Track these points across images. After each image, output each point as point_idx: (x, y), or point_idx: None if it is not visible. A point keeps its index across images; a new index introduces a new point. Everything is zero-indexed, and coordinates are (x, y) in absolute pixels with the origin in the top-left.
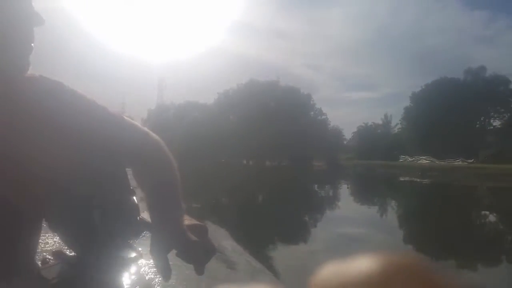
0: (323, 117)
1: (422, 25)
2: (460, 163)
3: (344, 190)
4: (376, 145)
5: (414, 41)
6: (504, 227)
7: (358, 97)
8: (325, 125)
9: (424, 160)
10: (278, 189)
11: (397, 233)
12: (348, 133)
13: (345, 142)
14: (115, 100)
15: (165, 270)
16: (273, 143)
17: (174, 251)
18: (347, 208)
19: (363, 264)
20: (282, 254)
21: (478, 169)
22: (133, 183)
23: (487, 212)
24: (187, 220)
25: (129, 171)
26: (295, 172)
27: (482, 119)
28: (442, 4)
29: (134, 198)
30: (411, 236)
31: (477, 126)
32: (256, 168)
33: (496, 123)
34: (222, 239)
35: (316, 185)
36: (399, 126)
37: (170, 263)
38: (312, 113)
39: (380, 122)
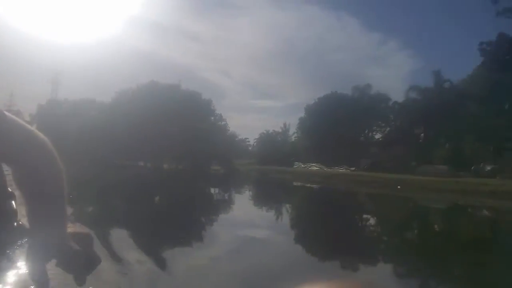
0: (223, 122)
1: (324, 41)
2: (343, 170)
3: (235, 193)
4: (275, 151)
5: (316, 56)
6: (370, 223)
7: (265, 105)
8: (224, 130)
9: (314, 167)
10: (172, 192)
11: (275, 228)
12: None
13: (250, 148)
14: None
15: (41, 282)
16: (172, 146)
17: (54, 261)
18: (237, 210)
19: None
20: (177, 258)
21: (356, 176)
22: (12, 185)
23: (358, 212)
24: (71, 228)
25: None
26: (190, 175)
27: (366, 131)
28: (343, 23)
29: (13, 202)
30: (287, 230)
31: (362, 138)
32: (154, 171)
33: (378, 136)
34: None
35: (208, 188)
36: (296, 135)
37: (50, 273)
38: (212, 118)
39: (280, 130)
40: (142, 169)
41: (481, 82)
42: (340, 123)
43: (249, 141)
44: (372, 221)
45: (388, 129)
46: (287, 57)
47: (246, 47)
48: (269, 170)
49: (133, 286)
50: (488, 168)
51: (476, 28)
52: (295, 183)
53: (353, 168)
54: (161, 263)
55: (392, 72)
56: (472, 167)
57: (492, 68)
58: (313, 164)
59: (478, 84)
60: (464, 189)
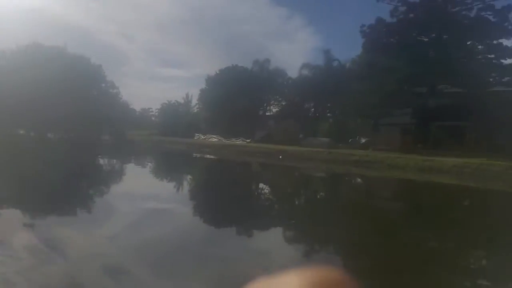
0: (115, 90)
1: (233, 12)
2: (240, 142)
3: (126, 163)
4: (177, 122)
5: (224, 26)
6: (250, 188)
7: (172, 74)
8: (116, 98)
9: (214, 138)
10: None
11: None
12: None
13: (153, 118)
14: None
15: None
16: (57, 114)
17: None
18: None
19: (290, 280)
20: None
21: (247, 148)
22: None
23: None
24: None
25: None
26: (75, 145)
27: (265, 105)
28: None
29: None
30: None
31: (261, 111)
32: (35, 141)
33: (276, 109)
34: None
35: (92, 159)
36: (197, 106)
37: None
38: (103, 85)
39: (182, 101)
40: (22, 138)
41: (362, 62)
42: (239, 96)
43: (152, 111)
44: (250, 186)
45: (284, 103)
46: (195, 26)
47: (152, 12)
48: (168, 141)
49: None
50: (363, 140)
51: (371, 11)
52: (187, 154)
53: (248, 140)
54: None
55: (297, 47)
56: (350, 140)
57: (370, 50)
58: (213, 135)
59: (360, 64)
60: (335, 158)
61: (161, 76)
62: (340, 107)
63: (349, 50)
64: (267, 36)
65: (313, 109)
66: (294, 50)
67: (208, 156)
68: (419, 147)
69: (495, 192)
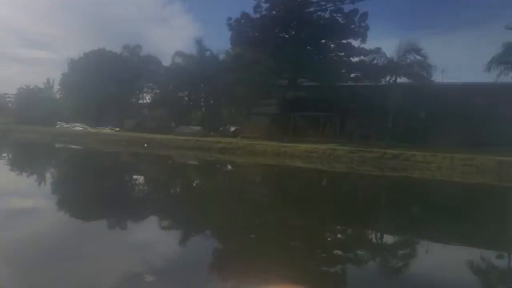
0: None
1: None
2: (108, 130)
3: None
4: (36, 109)
5: (95, 7)
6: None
7: (36, 56)
8: None
9: (78, 127)
10: None
11: None
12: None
13: (10, 105)
14: None
15: None
16: None
17: None
18: None
19: None
20: None
21: (116, 136)
22: None
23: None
24: None
25: None
26: None
27: (137, 93)
28: None
29: None
30: None
31: (133, 99)
32: None
33: (148, 97)
34: None
35: None
36: (59, 92)
37: None
38: None
39: (43, 86)
40: None
41: (231, 54)
42: (106, 82)
43: (9, 97)
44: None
45: (157, 91)
46: (63, 3)
47: None
48: (22, 129)
49: None
50: (233, 129)
51: (249, 2)
52: (38, 143)
53: (117, 129)
54: None
55: (174, 35)
56: (221, 128)
57: (237, 43)
58: (77, 124)
59: (229, 55)
60: (201, 146)
61: (23, 58)
62: (213, 96)
63: (227, 40)
64: (142, 20)
65: (187, 98)
66: (171, 37)
67: (62, 145)
68: (283, 135)
69: (333, 172)
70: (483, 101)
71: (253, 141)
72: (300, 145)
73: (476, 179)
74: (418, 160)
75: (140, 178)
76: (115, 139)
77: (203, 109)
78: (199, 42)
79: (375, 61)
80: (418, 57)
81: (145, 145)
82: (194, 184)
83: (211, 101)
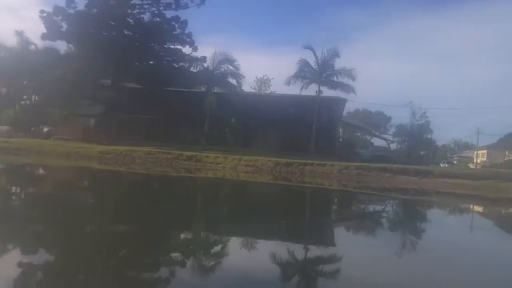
0: None
1: None
2: None
3: None
4: None
5: None
6: None
7: None
8: None
9: None
10: None
11: None
12: None
13: None
14: None
15: None
16: None
17: None
18: None
19: None
20: None
21: None
22: None
23: None
24: None
25: None
26: None
27: None
28: None
29: None
30: None
31: None
32: None
33: None
34: None
35: None
36: None
37: None
38: None
39: None
40: None
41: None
42: None
43: None
44: None
45: None
46: None
47: None
48: None
49: None
50: (46, 129)
51: None
52: None
53: None
54: None
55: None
56: (32, 129)
57: (48, 37)
58: None
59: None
60: None
61: None
62: (29, 93)
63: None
64: None
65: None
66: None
67: None
68: (103, 137)
69: (114, 172)
70: (293, 110)
71: (65, 143)
72: (99, 146)
73: (255, 177)
74: (209, 161)
75: None
76: None
77: (16, 107)
78: (20, 34)
79: (197, 69)
80: (231, 68)
81: None
82: None
83: (26, 99)
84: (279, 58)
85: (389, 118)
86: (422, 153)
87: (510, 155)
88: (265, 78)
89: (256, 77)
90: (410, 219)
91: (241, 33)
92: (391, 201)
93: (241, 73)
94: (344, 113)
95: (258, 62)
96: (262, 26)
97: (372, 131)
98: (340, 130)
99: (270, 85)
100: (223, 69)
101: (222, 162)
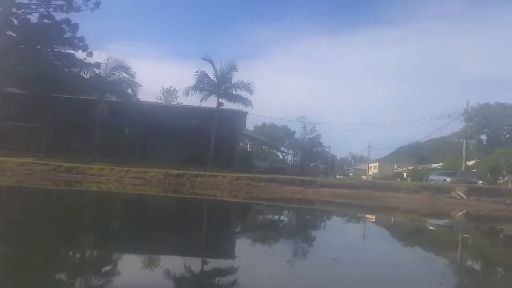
0: None
1: None
2: None
3: None
4: None
5: None
6: None
7: None
8: None
9: None
10: None
11: None
12: None
13: None
14: None
15: None
16: None
17: None
18: None
19: None
20: None
21: None
22: None
23: None
24: None
25: None
26: None
27: None
28: None
29: None
30: None
31: None
32: None
33: None
34: None
35: None
36: None
37: None
38: None
39: None
40: None
41: None
42: None
43: None
44: None
45: None
46: None
47: None
48: None
49: None
50: None
51: None
52: None
53: None
54: None
55: None
56: None
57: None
58: None
59: None
60: None
61: None
62: None
63: None
64: None
65: None
66: None
67: None
68: None
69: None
70: (194, 121)
71: None
72: None
73: (144, 190)
74: (92, 173)
75: None
76: None
77: None
78: None
79: (87, 75)
80: (126, 75)
81: None
82: None
83: None
84: (189, 70)
85: (294, 133)
86: (312, 164)
87: (398, 167)
88: (172, 88)
89: (162, 87)
90: (294, 228)
91: (152, 43)
92: (277, 211)
93: (136, 81)
94: (251, 126)
95: (169, 73)
96: (174, 37)
97: (272, 145)
98: (248, 144)
99: (177, 96)
100: (116, 76)
101: (107, 174)
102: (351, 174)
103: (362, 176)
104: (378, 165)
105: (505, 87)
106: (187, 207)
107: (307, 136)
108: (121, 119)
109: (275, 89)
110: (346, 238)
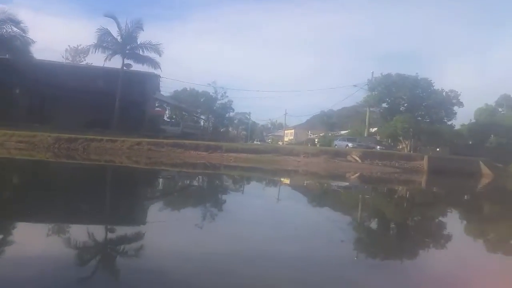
0: None
1: None
2: None
3: None
4: None
5: None
6: None
7: None
8: None
9: None
10: None
11: None
12: None
13: None
14: None
15: None
16: None
17: None
18: None
19: None
20: None
21: None
22: None
23: None
24: None
25: None
26: None
27: None
28: None
29: None
30: None
31: None
32: None
33: None
34: None
35: None
36: None
37: None
38: None
39: None
40: None
41: None
42: None
43: None
44: None
45: None
46: None
47: None
48: None
49: None
50: None
51: None
52: None
53: None
54: None
55: None
56: None
57: None
58: None
59: None
60: None
61: None
62: None
63: None
64: None
65: None
66: None
67: None
68: None
69: None
70: (99, 83)
71: None
72: None
73: (31, 155)
74: None
75: None
76: None
77: None
78: None
79: None
80: (16, 30)
81: None
82: None
83: None
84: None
85: (215, 99)
86: (222, 129)
87: (311, 134)
88: (80, 47)
89: (69, 45)
90: (197, 191)
91: None
92: (180, 176)
93: (29, 37)
94: (171, 91)
95: (80, 31)
96: None
97: (189, 111)
98: (167, 109)
99: (85, 56)
100: (5, 31)
101: None
102: (269, 140)
103: (279, 142)
104: (294, 131)
105: (414, 61)
106: (77, 173)
107: (218, 102)
108: (12, 78)
109: (198, 54)
110: (244, 199)
